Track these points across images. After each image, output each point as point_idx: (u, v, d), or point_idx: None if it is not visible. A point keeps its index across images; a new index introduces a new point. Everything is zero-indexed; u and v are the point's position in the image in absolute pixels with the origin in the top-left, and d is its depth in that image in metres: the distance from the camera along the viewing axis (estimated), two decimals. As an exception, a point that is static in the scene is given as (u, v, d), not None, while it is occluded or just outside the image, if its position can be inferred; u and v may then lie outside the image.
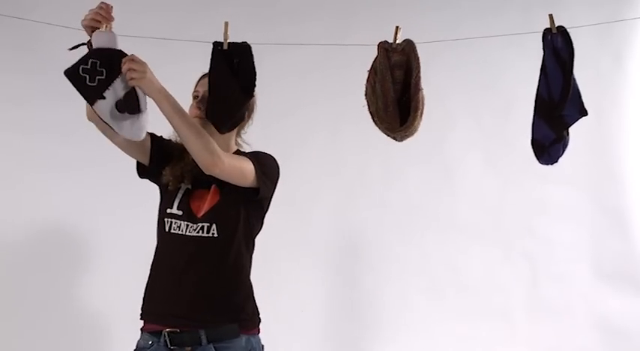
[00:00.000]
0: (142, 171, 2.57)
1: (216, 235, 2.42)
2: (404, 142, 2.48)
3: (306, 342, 3.84)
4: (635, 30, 4.16)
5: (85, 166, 3.75)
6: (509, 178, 4.18)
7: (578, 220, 4.21)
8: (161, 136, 2.54)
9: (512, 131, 3.89)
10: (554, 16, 2.53)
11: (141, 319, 2.51)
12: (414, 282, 4.05)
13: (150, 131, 2.47)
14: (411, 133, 2.37)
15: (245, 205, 2.47)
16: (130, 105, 2.27)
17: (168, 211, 2.47)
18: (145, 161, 2.52)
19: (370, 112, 2.38)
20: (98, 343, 3.74)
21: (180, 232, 2.43)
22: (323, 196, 3.93)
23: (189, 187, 2.48)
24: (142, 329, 2.51)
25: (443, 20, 3.85)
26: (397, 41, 2.36)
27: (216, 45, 2.42)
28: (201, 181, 2.46)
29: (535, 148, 2.64)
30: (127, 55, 2.30)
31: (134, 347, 2.50)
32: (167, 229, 2.46)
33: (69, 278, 3.77)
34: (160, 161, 2.52)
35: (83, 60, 2.26)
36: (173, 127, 2.34)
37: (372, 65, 2.37)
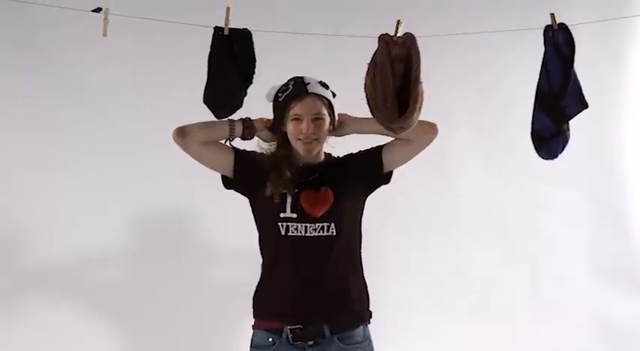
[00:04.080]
0: (228, 183, 2.61)
1: (334, 233, 2.50)
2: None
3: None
4: (634, 30, 4.18)
5: (84, 164, 3.75)
6: (509, 178, 4.19)
7: (578, 221, 4.23)
8: (244, 150, 2.59)
9: (512, 132, 3.89)
10: (555, 16, 2.55)
11: (256, 317, 2.58)
12: (415, 282, 4.05)
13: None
14: (409, 125, 2.36)
15: (357, 203, 2.60)
16: None
17: (282, 215, 2.50)
18: (229, 174, 2.58)
19: (369, 105, 2.38)
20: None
21: (299, 234, 2.49)
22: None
23: (297, 190, 2.52)
24: (254, 327, 2.58)
25: (444, 17, 3.85)
26: (398, 35, 2.36)
27: (217, 30, 2.44)
28: (306, 183, 2.52)
29: (534, 139, 2.64)
30: None
31: (249, 345, 2.57)
32: (284, 233, 2.50)
33: (71, 278, 3.77)
34: (246, 174, 2.56)
35: None
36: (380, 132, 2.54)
37: (372, 58, 2.37)
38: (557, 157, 2.64)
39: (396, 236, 4.05)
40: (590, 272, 4.21)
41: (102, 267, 3.78)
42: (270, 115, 2.58)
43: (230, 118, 2.55)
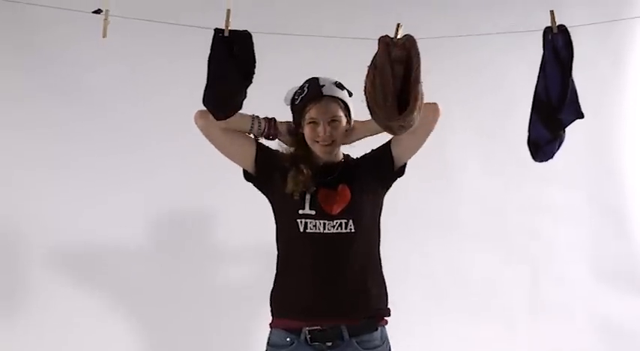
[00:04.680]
0: (249, 177, 2.64)
1: (353, 230, 2.52)
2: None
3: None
4: (634, 30, 4.17)
5: (84, 164, 3.75)
6: (509, 179, 4.18)
7: (578, 221, 4.22)
8: (267, 147, 2.63)
9: (512, 132, 3.88)
10: (555, 14, 2.54)
11: (274, 316, 2.59)
12: (416, 283, 4.04)
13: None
14: (409, 124, 2.36)
15: (374, 199, 2.60)
16: None
17: (301, 212, 2.52)
18: (250, 169, 2.60)
19: (369, 107, 2.38)
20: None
21: (317, 231, 2.51)
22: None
23: (315, 188, 2.54)
24: (271, 325, 2.59)
25: (444, 20, 3.83)
26: (398, 37, 2.36)
27: (217, 31, 2.45)
28: (324, 182, 2.55)
29: (531, 147, 2.64)
30: None
31: (266, 343, 2.59)
32: (302, 230, 2.52)
33: (71, 278, 3.77)
34: (266, 169, 2.59)
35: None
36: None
37: (372, 60, 2.37)
38: (552, 157, 2.65)
39: (396, 238, 3.98)
40: (590, 273, 4.20)
41: (103, 266, 3.78)
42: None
43: (256, 114, 2.58)
